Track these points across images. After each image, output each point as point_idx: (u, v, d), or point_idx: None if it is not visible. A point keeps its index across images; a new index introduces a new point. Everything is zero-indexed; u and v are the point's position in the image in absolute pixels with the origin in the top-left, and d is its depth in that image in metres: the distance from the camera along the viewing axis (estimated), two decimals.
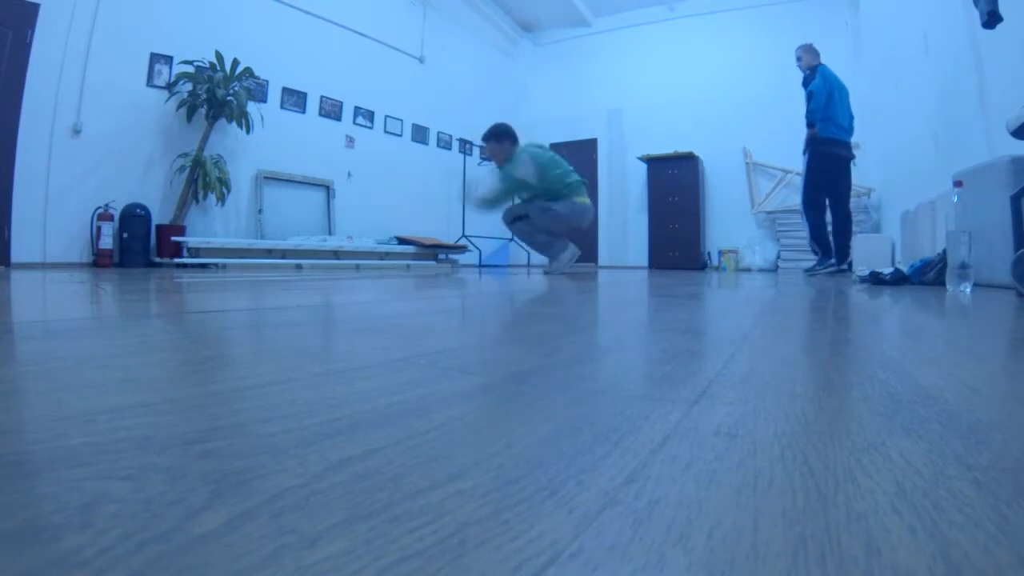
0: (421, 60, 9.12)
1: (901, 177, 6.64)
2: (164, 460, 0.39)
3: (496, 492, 0.36)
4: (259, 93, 6.58)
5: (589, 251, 10.74)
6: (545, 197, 5.26)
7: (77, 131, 5.14)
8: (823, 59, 6.05)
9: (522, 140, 5.41)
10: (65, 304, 1.75)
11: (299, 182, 7.17)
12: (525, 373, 0.75)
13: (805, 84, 6.02)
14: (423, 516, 0.32)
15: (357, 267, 6.70)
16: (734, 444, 0.46)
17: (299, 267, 6.19)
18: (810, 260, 6.54)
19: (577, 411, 0.56)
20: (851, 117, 6.02)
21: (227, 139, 6.22)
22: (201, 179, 5.65)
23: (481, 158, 5.31)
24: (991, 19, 3.21)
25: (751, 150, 9.38)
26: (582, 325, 1.43)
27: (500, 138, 5.30)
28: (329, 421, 0.50)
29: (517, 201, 5.46)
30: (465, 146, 9.71)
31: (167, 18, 5.82)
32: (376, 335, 1.11)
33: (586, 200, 5.43)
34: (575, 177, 5.41)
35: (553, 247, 5.36)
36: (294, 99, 7.15)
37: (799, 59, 6.12)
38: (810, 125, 5.84)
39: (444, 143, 9.61)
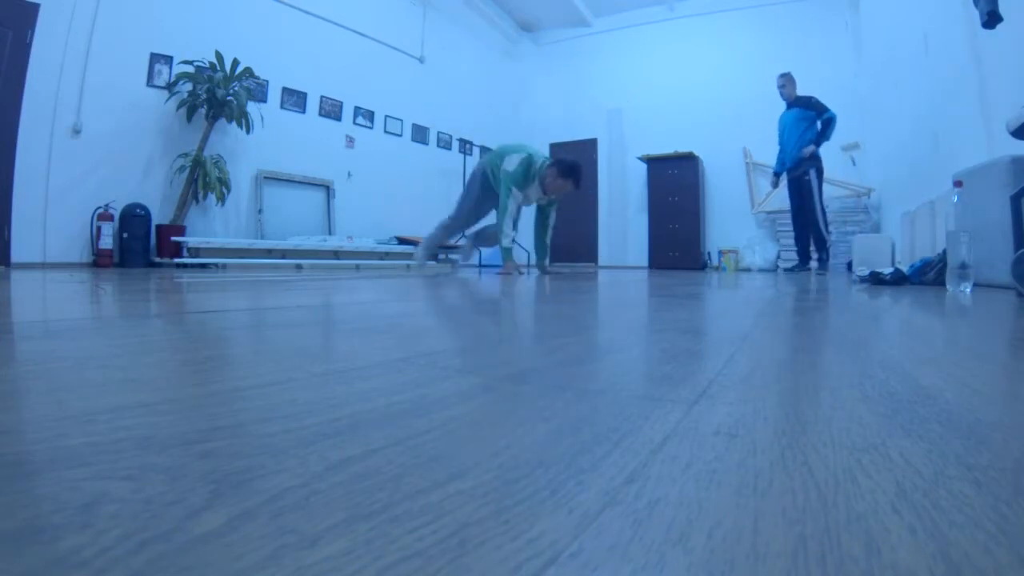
0: (421, 60, 9.12)
1: (901, 177, 6.65)
2: (164, 460, 0.39)
3: (496, 492, 0.36)
4: (259, 93, 6.58)
5: (589, 251, 10.75)
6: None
7: (77, 131, 5.14)
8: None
9: (523, 141, 5.52)
10: (65, 304, 1.75)
11: (299, 182, 7.17)
12: (525, 373, 0.75)
13: (808, 107, 6.53)
14: (423, 516, 0.32)
15: (357, 267, 6.70)
16: (734, 444, 0.46)
17: (299, 267, 6.19)
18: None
19: (577, 411, 0.56)
20: None
21: (227, 139, 6.22)
22: (201, 179, 5.64)
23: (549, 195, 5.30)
24: (991, 19, 3.20)
25: (751, 150, 9.37)
26: (582, 325, 1.43)
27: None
28: (329, 421, 0.50)
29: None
30: (465, 146, 9.70)
31: (167, 18, 5.82)
32: (376, 335, 1.11)
33: None
34: None
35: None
36: (294, 99, 7.15)
37: (783, 87, 6.66)
38: (818, 144, 6.42)
39: (444, 143, 9.61)
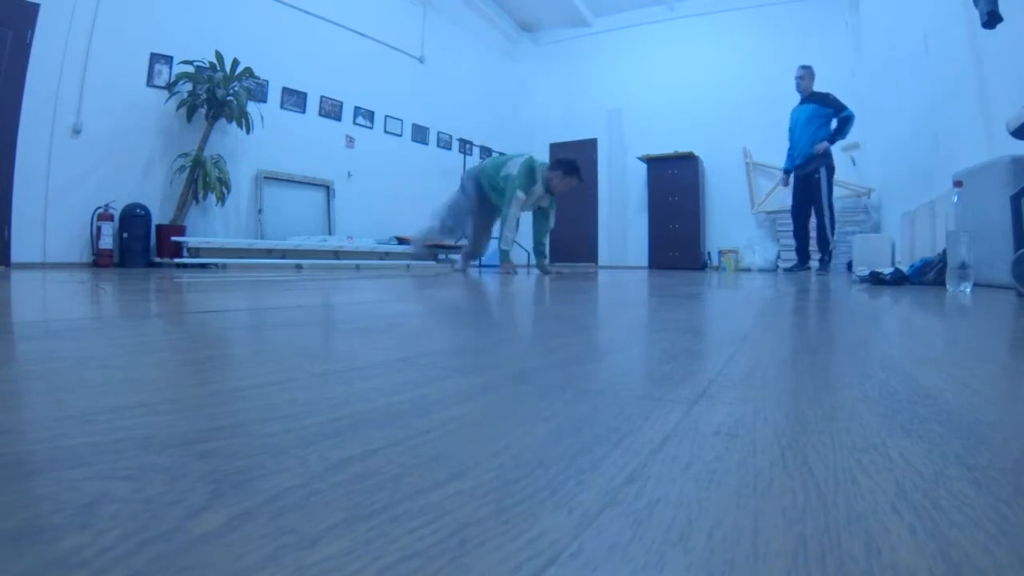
0: (421, 60, 9.11)
1: (901, 177, 6.65)
2: (164, 460, 0.39)
3: (496, 492, 0.36)
4: (259, 93, 6.58)
5: (589, 251, 10.75)
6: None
7: (77, 131, 5.14)
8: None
9: (523, 141, 5.62)
10: (65, 304, 1.75)
11: (299, 182, 7.17)
12: (525, 373, 0.75)
13: (826, 104, 6.36)
14: (423, 516, 0.32)
15: (357, 267, 6.70)
16: (734, 444, 0.46)
17: (299, 267, 6.19)
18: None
19: (577, 411, 0.56)
20: None
21: (227, 139, 6.22)
22: (201, 179, 5.64)
23: (551, 192, 5.48)
24: (991, 19, 3.20)
25: (751, 150, 9.37)
26: (582, 325, 1.43)
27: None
28: (329, 421, 0.50)
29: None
30: (465, 146, 9.69)
31: (167, 18, 5.82)
32: (376, 335, 1.11)
33: None
34: None
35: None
36: (294, 99, 7.15)
37: (801, 78, 6.46)
38: (832, 142, 6.27)
39: (444, 143, 9.60)
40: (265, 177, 6.74)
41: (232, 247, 5.88)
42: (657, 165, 9.64)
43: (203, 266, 5.56)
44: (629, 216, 10.58)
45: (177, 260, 5.38)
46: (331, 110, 7.62)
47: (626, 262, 10.48)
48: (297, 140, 7.13)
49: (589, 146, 10.86)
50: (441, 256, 8.02)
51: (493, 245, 10.03)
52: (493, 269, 7.66)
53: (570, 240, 10.65)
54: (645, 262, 9.86)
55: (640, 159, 9.89)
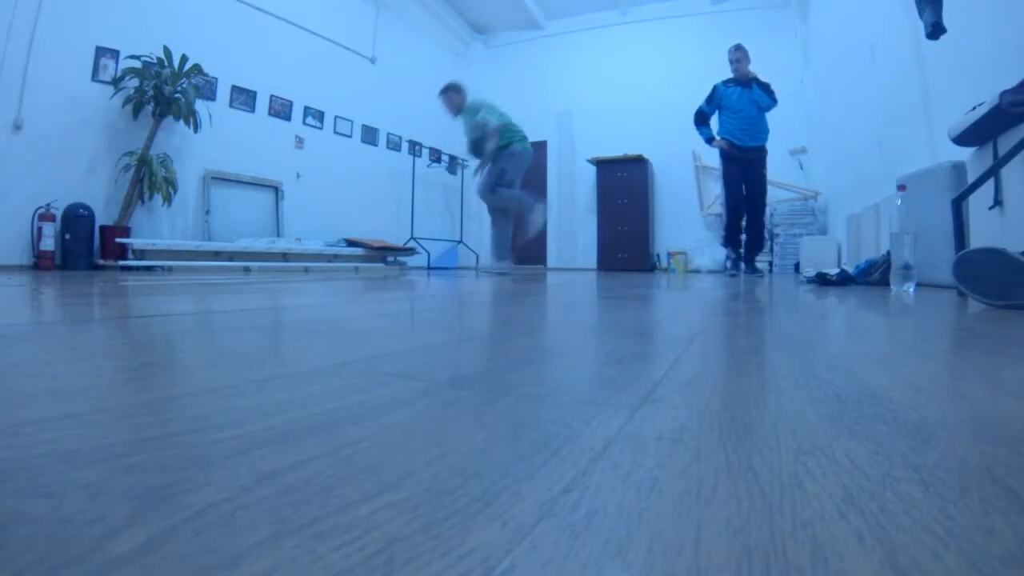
0: (372, 60, 9.07)
1: (847, 181, 6.79)
2: (87, 475, 0.37)
3: (428, 504, 0.34)
4: (207, 91, 6.48)
5: (538, 253, 10.80)
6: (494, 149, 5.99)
7: (18, 127, 5.00)
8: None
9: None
10: None
11: (247, 183, 7.08)
12: (466, 377, 0.74)
13: (772, 97, 5.89)
14: (351, 531, 0.30)
15: (306, 269, 6.63)
16: (677, 450, 0.45)
17: (247, 270, 6.09)
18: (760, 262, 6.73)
19: (516, 417, 0.55)
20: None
21: (174, 138, 6.10)
22: (147, 179, 5.54)
23: (452, 113, 6.29)
24: (935, 30, 3.27)
25: (700, 153, 9.49)
26: (527, 327, 1.42)
27: (455, 89, 6.33)
28: (263, 430, 0.48)
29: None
30: (415, 147, 9.66)
31: (114, 11, 5.69)
32: (319, 339, 1.09)
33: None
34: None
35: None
36: (243, 98, 7.05)
37: (739, 61, 5.92)
38: None
39: (394, 144, 9.57)
40: (213, 177, 6.64)
41: (178, 249, 5.77)
42: (607, 168, 9.75)
43: (149, 269, 5.45)
44: (578, 218, 10.67)
45: (122, 262, 5.27)
46: (281, 110, 7.54)
47: (575, 264, 10.57)
48: (246, 140, 7.05)
49: (539, 148, 10.89)
50: (390, 259, 7.99)
51: (443, 247, 10.07)
52: (443, 271, 7.65)
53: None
54: (594, 264, 9.96)
55: (590, 161, 9.99)
